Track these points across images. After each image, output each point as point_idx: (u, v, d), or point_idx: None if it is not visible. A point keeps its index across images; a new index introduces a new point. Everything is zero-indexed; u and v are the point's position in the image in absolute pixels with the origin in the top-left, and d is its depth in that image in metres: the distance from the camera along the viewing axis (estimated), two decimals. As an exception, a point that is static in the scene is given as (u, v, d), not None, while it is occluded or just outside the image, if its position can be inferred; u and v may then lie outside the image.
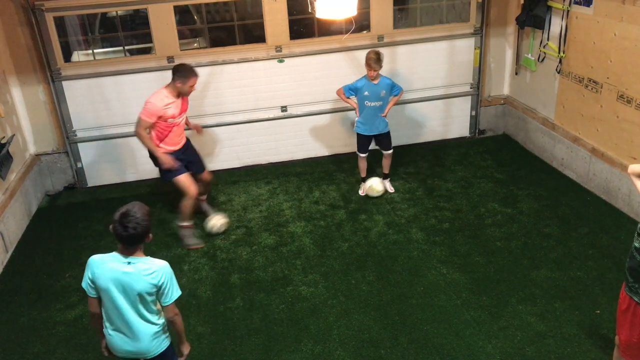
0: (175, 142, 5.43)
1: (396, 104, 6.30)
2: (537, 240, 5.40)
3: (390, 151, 6.32)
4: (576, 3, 5.99)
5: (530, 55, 7.01)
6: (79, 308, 4.78)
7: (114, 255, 3.10)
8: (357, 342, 4.30)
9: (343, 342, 4.31)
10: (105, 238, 5.85)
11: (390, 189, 6.43)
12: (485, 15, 7.18)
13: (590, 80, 5.97)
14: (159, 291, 3.10)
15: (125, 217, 3.00)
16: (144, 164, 7.02)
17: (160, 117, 5.19)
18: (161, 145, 5.36)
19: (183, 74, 5.16)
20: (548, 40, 6.57)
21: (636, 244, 3.14)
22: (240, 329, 4.51)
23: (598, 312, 4.42)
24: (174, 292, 3.15)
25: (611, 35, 5.55)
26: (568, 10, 6.11)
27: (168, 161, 5.32)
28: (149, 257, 3.13)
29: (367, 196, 6.37)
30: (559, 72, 6.47)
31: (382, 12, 6.90)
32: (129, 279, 3.04)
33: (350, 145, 7.45)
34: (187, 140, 5.66)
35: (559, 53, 6.35)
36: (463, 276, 4.96)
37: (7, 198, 5.79)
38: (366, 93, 5.97)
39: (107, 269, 3.07)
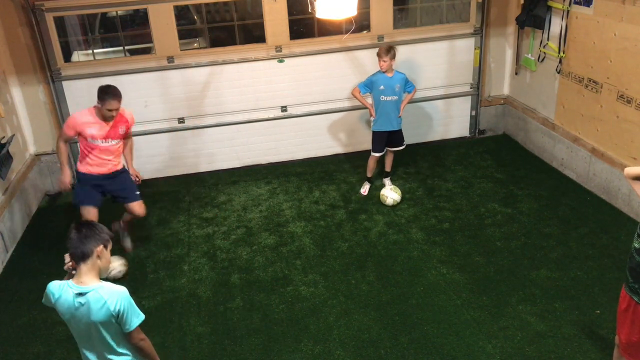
0: (98, 164, 5.06)
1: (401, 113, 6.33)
2: (537, 240, 5.40)
3: (401, 147, 6.31)
4: (576, 3, 5.99)
5: (530, 55, 7.01)
6: (79, 308, 4.77)
7: (69, 283, 2.86)
8: (357, 342, 4.30)
9: (343, 342, 4.31)
10: (105, 238, 5.84)
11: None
12: (485, 15, 7.18)
13: (590, 80, 5.97)
14: (117, 319, 2.84)
15: (84, 223, 2.87)
16: (143, 164, 7.03)
17: (80, 134, 4.95)
18: (85, 164, 5.07)
19: (100, 95, 4.84)
20: (548, 40, 6.58)
21: (636, 245, 3.14)
22: (240, 329, 4.51)
23: (598, 312, 4.42)
24: (134, 318, 2.88)
25: (611, 35, 5.55)
26: (568, 10, 6.11)
27: (63, 181, 5.10)
28: (102, 284, 2.84)
29: (367, 196, 6.38)
30: (559, 72, 6.47)
31: (382, 12, 6.90)
32: (83, 310, 2.80)
33: (351, 145, 7.47)
34: (121, 170, 5.26)
35: (559, 53, 6.35)
36: (463, 276, 4.96)
37: (7, 198, 5.79)
38: (382, 87, 5.96)
39: (63, 299, 2.85)
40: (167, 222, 6.10)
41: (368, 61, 7.00)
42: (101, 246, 2.87)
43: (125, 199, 5.26)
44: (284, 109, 7.14)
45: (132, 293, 5.16)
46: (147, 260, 5.46)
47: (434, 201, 6.20)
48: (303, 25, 7.06)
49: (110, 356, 2.94)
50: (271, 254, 5.45)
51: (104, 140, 5.01)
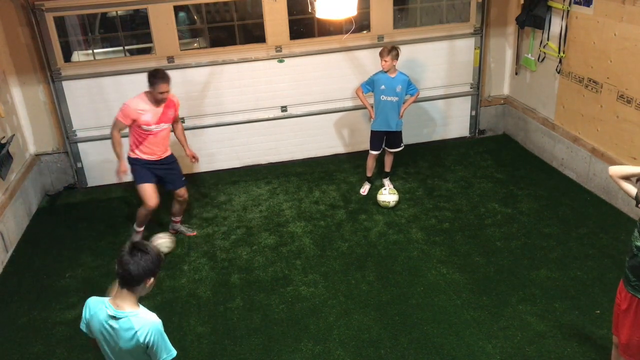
0: (151, 152, 5.27)
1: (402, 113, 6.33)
2: (537, 240, 5.40)
3: (398, 149, 6.30)
4: (576, 3, 5.99)
5: (530, 55, 7.01)
6: (79, 308, 4.74)
7: (106, 302, 2.74)
8: (357, 342, 4.30)
9: (343, 342, 4.31)
10: (105, 238, 5.85)
11: (389, 187, 6.44)
12: (485, 15, 7.18)
13: (590, 80, 5.97)
14: (147, 350, 2.72)
15: (140, 246, 2.67)
16: (144, 164, 7.03)
17: (134, 121, 5.10)
18: (136, 151, 5.25)
19: (151, 80, 5.04)
20: (548, 40, 6.57)
21: (638, 243, 3.13)
22: (240, 329, 4.51)
23: (598, 312, 4.42)
24: (164, 353, 2.76)
25: (611, 35, 5.55)
26: (568, 10, 6.11)
27: (121, 171, 5.28)
28: (137, 311, 2.71)
29: (367, 196, 6.37)
30: (559, 72, 6.47)
31: (382, 12, 6.90)
32: (113, 334, 2.72)
33: (350, 145, 7.47)
34: (170, 156, 5.46)
35: (559, 53, 6.35)
36: (463, 276, 4.96)
37: (7, 198, 5.79)
38: (383, 87, 5.96)
39: (96, 318, 2.75)
40: (167, 222, 6.09)
41: (368, 61, 7.00)
42: (152, 279, 2.72)
43: (173, 185, 5.51)
44: (284, 109, 7.14)
45: (132, 293, 5.14)
46: (147, 260, 5.44)
47: (434, 201, 6.20)
48: (303, 25, 7.06)
49: None
50: (271, 254, 5.45)
51: (157, 126, 5.19)
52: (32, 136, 6.74)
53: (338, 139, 7.43)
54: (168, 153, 5.43)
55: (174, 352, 2.79)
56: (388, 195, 6.10)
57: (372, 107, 6.16)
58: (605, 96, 5.77)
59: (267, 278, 5.10)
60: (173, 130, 5.51)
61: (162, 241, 5.34)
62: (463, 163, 7.06)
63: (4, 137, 5.89)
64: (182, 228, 5.89)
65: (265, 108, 7.09)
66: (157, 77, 5.01)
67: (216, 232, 5.88)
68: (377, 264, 5.20)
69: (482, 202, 6.13)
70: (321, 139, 7.38)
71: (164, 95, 5.07)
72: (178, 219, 5.84)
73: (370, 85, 6.04)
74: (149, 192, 5.29)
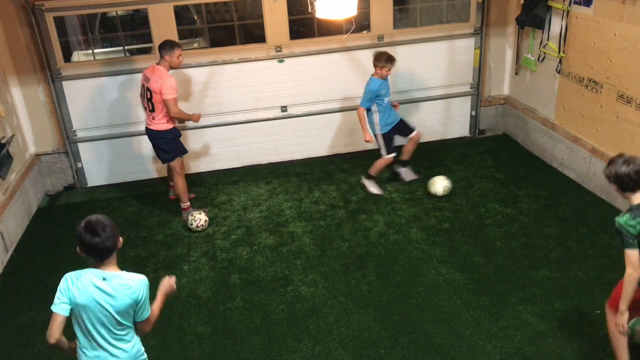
0: (174, 120, 5.87)
1: (398, 104, 6.51)
2: (537, 240, 5.40)
3: (416, 131, 6.39)
4: (576, 3, 5.99)
5: (530, 55, 7.01)
6: (79, 308, 4.77)
7: (92, 270, 2.91)
8: (357, 342, 4.30)
9: (343, 342, 4.31)
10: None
11: (413, 177, 6.54)
12: (485, 15, 7.18)
13: (590, 80, 5.97)
14: (137, 306, 2.93)
15: (94, 224, 2.83)
16: (143, 163, 7.04)
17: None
18: (169, 121, 5.78)
19: (167, 48, 5.53)
20: (548, 40, 6.58)
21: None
22: (240, 329, 4.51)
23: (598, 312, 4.42)
24: (147, 310, 3.00)
25: (611, 35, 5.55)
26: (568, 10, 6.11)
27: (197, 117, 6.01)
28: (124, 272, 2.94)
29: (367, 196, 6.37)
30: (559, 72, 6.47)
31: (382, 12, 6.90)
32: (108, 297, 2.86)
33: (351, 145, 7.46)
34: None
35: (559, 53, 6.35)
36: (463, 276, 4.96)
37: (7, 198, 5.79)
38: (383, 92, 6.06)
39: (85, 287, 2.87)
40: (167, 222, 6.10)
41: (368, 61, 6.97)
42: (120, 238, 2.94)
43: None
44: (284, 109, 7.14)
45: (132, 293, 5.13)
46: (147, 260, 5.46)
47: (434, 201, 6.20)
48: (303, 25, 7.06)
49: (113, 341, 2.98)
50: (271, 254, 5.45)
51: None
52: (32, 136, 6.74)
53: (338, 139, 7.43)
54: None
55: (150, 311, 3.04)
56: (442, 180, 6.25)
57: (369, 128, 6.17)
58: (605, 96, 5.77)
59: (267, 278, 5.10)
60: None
61: (200, 216, 5.89)
62: (463, 163, 7.06)
63: (4, 137, 5.89)
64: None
65: (265, 108, 7.09)
66: (173, 43, 5.59)
67: (216, 232, 5.88)
68: (377, 264, 5.20)
69: (482, 202, 6.13)
70: (321, 139, 7.38)
71: (180, 60, 5.64)
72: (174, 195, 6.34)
73: (372, 99, 6.05)
74: (180, 166, 5.98)
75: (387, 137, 6.23)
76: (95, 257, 2.89)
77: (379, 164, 6.35)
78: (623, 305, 3.34)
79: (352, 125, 7.37)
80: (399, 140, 6.44)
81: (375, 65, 6.00)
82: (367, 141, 6.18)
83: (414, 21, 7.49)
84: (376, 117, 6.12)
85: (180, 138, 5.99)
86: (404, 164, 6.58)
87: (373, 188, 6.42)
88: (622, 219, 3.25)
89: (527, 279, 4.86)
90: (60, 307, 2.95)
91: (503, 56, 7.54)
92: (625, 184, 3.28)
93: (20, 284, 5.22)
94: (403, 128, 6.34)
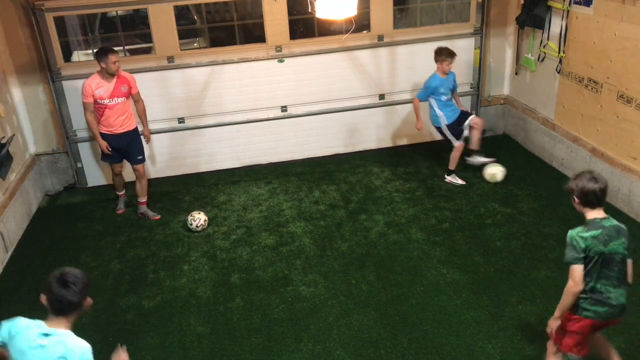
0: (110, 125, 5.78)
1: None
2: (537, 240, 5.40)
3: (474, 113, 6.58)
4: (576, 3, 5.99)
5: (530, 55, 7.01)
6: (79, 308, 4.77)
7: (38, 322, 2.73)
8: (357, 342, 4.30)
9: (343, 342, 4.31)
10: (105, 238, 5.85)
11: (487, 160, 6.67)
12: (485, 15, 7.18)
13: (590, 80, 5.97)
14: None
15: (67, 276, 2.68)
16: (144, 164, 7.02)
17: (94, 98, 5.65)
18: (99, 126, 5.81)
19: (100, 56, 5.54)
20: (548, 40, 6.57)
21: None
22: (240, 329, 4.51)
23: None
24: None
25: (611, 35, 5.55)
26: (568, 10, 6.11)
27: (102, 147, 5.86)
28: (70, 333, 2.69)
29: (367, 196, 6.37)
30: (559, 72, 6.47)
31: (382, 12, 6.89)
32: (41, 352, 2.63)
33: (351, 145, 7.46)
34: (133, 131, 5.95)
35: (559, 53, 6.35)
36: (463, 276, 4.96)
37: (7, 198, 5.79)
38: (442, 90, 6.23)
39: (23, 335, 2.72)
40: (167, 222, 6.10)
41: (368, 61, 7.00)
42: (90, 299, 2.77)
43: (130, 160, 6.04)
44: (284, 109, 7.14)
45: (132, 293, 5.18)
46: (147, 260, 5.46)
47: (434, 201, 6.20)
48: (303, 25, 7.06)
49: None
50: (271, 254, 5.45)
51: (110, 100, 5.68)
52: (32, 136, 6.74)
53: (338, 139, 7.42)
54: (128, 129, 5.88)
55: None
56: (496, 166, 6.43)
57: (421, 118, 6.40)
58: (605, 96, 5.77)
59: (267, 278, 5.10)
60: (136, 108, 6.01)
61: (200, 216, 5.87)
62: (463, 163, 7.05)
63: (4, 137, 5.89)
64: (149, 213, 6.19)
65: (265, 108, 7.09)
66: (105, 50, 5.55)
67: (216, 232, 5.88)
68: (377, 264, 5.20)
69: (482, 202, 6.13)
70: (321, 139, 7.38)
71: (117, 65, 5.57)
72: (142, 200, 6.20)
73: (428, 94, 6.26)
74: (117, 170, 6.16)
75: (452, 127, 6.41)
76: (54, 310, 2.71)
77: (454, 156, 6.52)
78: (558, 313, 3.47)
79: (352, 125, 7.38)
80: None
81: (436, 60, 6.23)
82: (418, 129, 6.47)
83: (414, 21, 7.49)
84: (438, 111, 6.34)
85: (116, 150, 5.92)
86: (475, 153, 6.71)
87: (457, 180, 6.56)
88: (574, 231, 3.31)
89: (527, 279, 4.86)
90: None
91: (503, 56, 7.54)
92: (589, 200, 3.31)
93: (20, 284, 5.22)
94: (463, 116, 6.48)
